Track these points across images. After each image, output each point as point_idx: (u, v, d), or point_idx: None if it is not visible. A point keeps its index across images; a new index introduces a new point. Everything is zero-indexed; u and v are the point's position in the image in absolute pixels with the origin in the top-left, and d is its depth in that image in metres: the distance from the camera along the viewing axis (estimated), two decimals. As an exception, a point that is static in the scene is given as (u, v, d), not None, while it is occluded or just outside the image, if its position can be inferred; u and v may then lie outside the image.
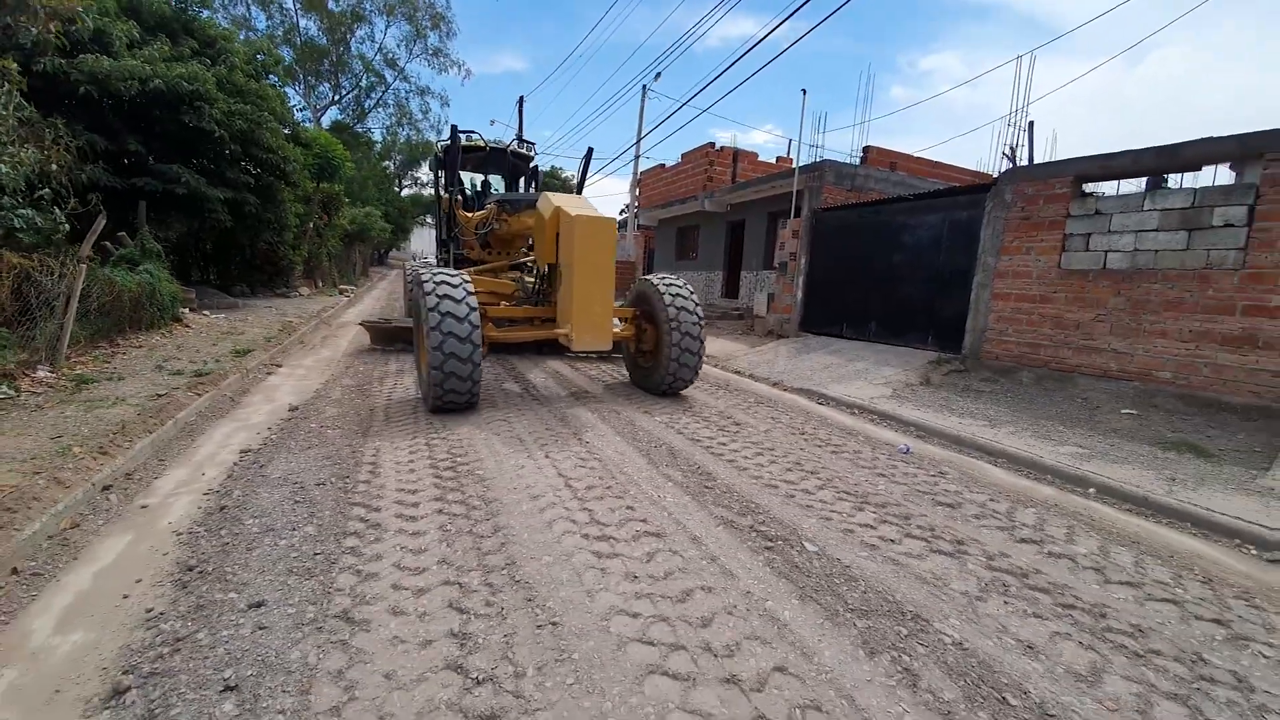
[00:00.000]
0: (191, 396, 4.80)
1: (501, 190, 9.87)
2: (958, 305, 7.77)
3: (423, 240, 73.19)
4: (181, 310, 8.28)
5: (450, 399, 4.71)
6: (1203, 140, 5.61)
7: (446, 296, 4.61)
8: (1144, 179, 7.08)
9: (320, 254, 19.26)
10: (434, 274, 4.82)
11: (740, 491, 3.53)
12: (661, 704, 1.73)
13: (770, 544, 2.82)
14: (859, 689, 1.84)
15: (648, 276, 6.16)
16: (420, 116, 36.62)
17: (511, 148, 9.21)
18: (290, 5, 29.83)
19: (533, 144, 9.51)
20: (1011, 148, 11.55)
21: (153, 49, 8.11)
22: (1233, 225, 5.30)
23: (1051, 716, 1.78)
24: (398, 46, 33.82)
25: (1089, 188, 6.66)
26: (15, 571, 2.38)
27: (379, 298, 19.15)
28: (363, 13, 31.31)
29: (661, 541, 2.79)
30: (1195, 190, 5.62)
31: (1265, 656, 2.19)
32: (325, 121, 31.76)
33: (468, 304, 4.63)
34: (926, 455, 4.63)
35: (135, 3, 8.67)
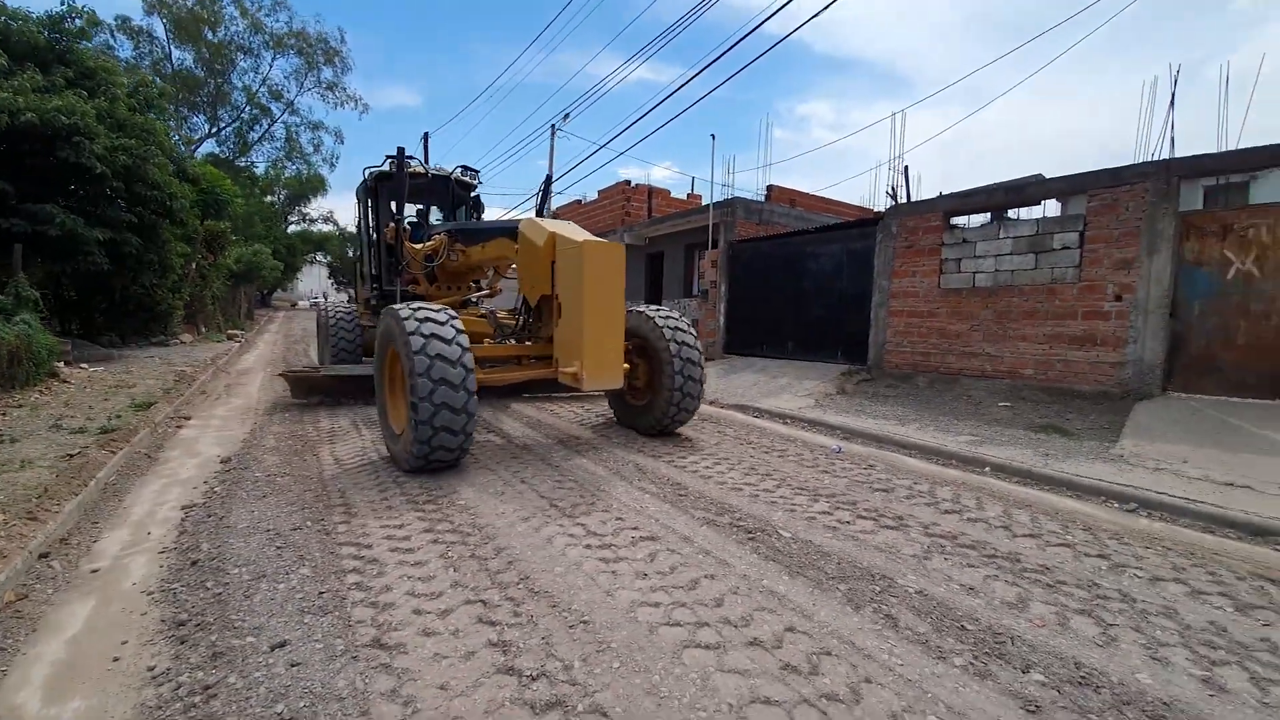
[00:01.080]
0: (106, 455, 4.37)
1: (440, 220, 9.04)
2: (861, 323, 8.78)
3: (312, 280, 68.21)
4: (56, 364, 7.35)
5: (439, 456, 4.04)
6: (1040, 182, 6.95)
7: (434, 336, 3.96)
8: (994, 212, 8.52)
9: (204, 297, 17.61)
10: (415, 311, 4.14)
11: (712, 496, 3.86)
12: (702, 669, 1.98)
13: (751, 535, 3.16)
14: (855, 634, 2.20)
15: (639, 308, 5.69)
16: (311, 151, 34.92)
17: (455, 175, 8.49)
18: (161, 35, 27.57)
19: (477, 172, 8.76)
20: (893, 188, 13.35)
21: (22, 79, 7.32)
22: (1069, 248, 6.58)
23: (998, 635, 2.23)
24: (286, 79, 32.22)
25: (956, 221, 7.91)
26: (-30, 649, 2.16)
27: (273, 342, 17.71)
28: (248, 46, 29.59)
29: (657, 544, 3.03)
30: (1038, 220, 6.90)
31: (1138, 577, 2.83)
32: (200, 155, 29.27)
33: (459, 344, 4.01)
34: (855, 453, 5.24)
35: (3, 29, 7.79)
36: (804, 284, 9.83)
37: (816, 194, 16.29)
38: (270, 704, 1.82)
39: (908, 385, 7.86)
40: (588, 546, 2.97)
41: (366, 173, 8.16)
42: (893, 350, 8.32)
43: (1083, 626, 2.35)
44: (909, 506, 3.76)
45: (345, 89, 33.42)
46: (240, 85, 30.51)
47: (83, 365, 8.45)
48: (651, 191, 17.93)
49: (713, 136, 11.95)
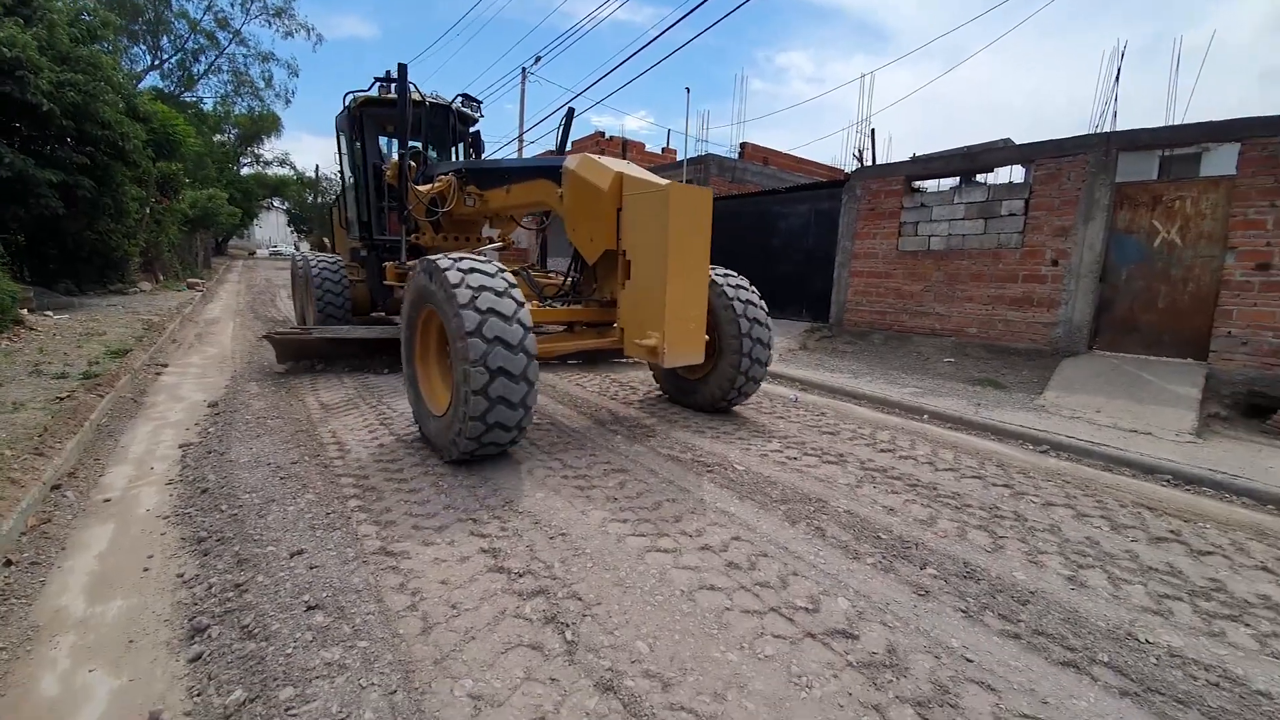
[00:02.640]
0: (94, 399, 4.51)
1: (435, 158, 7.63)
2: (825, 282, 9.19)
3: (270, 227, 65.12)
4: (20, 312, 7.23)
5: (494, 437, 3.26)
6: (995, 149, 7.31)
7: (485, 289, 3.24)
8: (955, 178, 8.89)
9: (160, 243, 16.95)
10: (457, 261, 3.40)
11: (676, 438, 4.26)
12: (660, 567, 2.39)
13: (709, 469, 3.58)
14: (789, 542, 2.65)
15: None
16: (263, 85, 32.88)
17: (455, 105, 7.21)
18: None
19: (479, 103, 7.46)
20: (860, 150, 13.57)
21: (-48, 5, 6.85)
22: (1015, 215, 7.01)
23: (906, 542, 2.71)
24: (231, 5, 29.93)
25: (917, 185, 8.26)
26: (10, 563, 2.42)
27: (237, 291, 17.27)
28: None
29: (627, 474, 3.43)
30: (989, 187, 7.29)
31: (1034, 503, 3.35)
32: (142, 89, 27.29)
33: (512, 297, 3.29)
34: (811, 402, 5.71)
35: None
36: (773, 243, 10.15)
37: (789, 153, 16.41)
38: (297, 595, 2.16)
39: (865, 342, 8.37)
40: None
41: (350, 99, 7.03)
42: (853, 309, 8.78)
43: (977, 538, 2.85)
44: (850, 446, 4.24)
45: (294, 15, 31.29)
46: (179, 11, 28.25)
47: (47, 313, 8.28)
48: (626, 145, 17.74)
49: (688, 90, 11.94)
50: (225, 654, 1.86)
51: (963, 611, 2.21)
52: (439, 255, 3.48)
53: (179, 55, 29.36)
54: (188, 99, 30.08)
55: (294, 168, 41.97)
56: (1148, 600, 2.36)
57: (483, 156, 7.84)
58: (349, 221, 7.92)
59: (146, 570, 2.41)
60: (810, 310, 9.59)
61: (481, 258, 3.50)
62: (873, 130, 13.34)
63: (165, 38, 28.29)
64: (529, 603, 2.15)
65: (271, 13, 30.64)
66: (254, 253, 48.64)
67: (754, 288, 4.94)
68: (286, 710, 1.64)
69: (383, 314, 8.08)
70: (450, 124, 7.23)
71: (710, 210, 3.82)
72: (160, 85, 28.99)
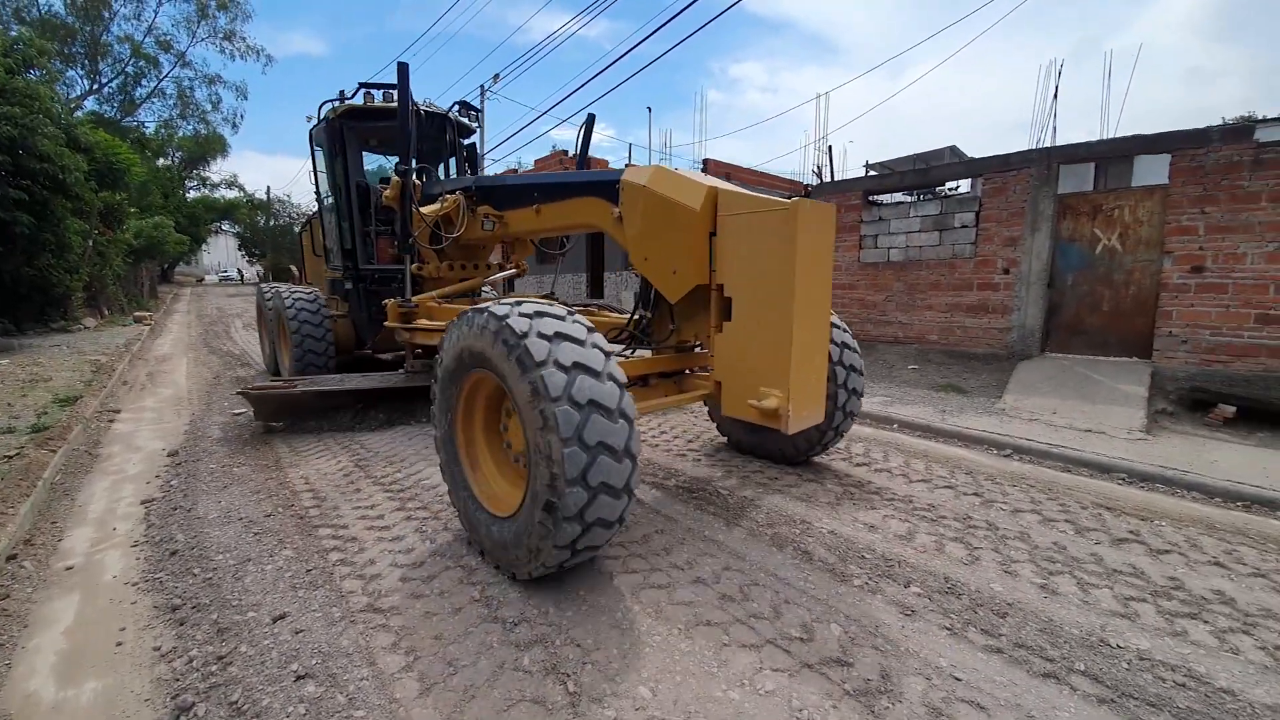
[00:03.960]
0: (46, 455, 4.28)
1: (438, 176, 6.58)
2: (791, 294, 9.40)
3: (220, 252, 62.66)
4: (-47, 359, 6.80)
5: (591, 542, 2.40)
6: (946, 165, 7.66)
7: (579, 366, 2.34)
8: (918, 190, 9.27)
9: (104, 276, 16.18)
10: (532, 315, 2.49)
11: (660, 463, 4.30)
12: (656, 603, 2.41)
13: (693, 494, 3.62)
14: (778, 569, 2.71)
15: None
16: (210, 108, 31.94)
17: (452, 114, 6.37)
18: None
19: (479, 111, 6.73)
20: (818, 167, 14.03)
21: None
22: (967, 226, 7.35)
23: (889, 560, 2.80)
24: (175, 28, 29.05)
25: (874, 199, 8.57)
26: (-34, 647, 2.27)
27: (187, 323, 16.58)
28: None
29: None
30: (942, 200, 7.63)
31: (1003, 510, 3.50)
32: (80, 115, 26.12)
33: (611, 376, 2.41)
34: (785, 417, 5.83)
35: None
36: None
37: (751, 169, 16.79)
38: (284, 665, 2.10)
39: (833, 352, 8.60)
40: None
41: (327, 110, 6.22)
42: (820, 320, 9.02)
43: (954, 550, 2.96)
44: (827, 461, 4.35)
45: (245, 39, 30.56)
46: (122, 35, 27.27)
47: (-19, 358, 7.81)
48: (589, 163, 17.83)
49: (649, 109, 12.21)
50: (215, 735, 1.80)
51: (948, 630, 2.29)
52: (486, 304, 2.71)
53: (119, 79, 28.29)
54: (129, 123, 28.93)
55: (243, 189, 40.71)
56: (1115, 604, 2.49)
57: (479, 174, 7.20)
58: (327, 249, 7.11)
59: (120, 645, 2.30)
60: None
61: (557, 310, 2.61)
62: (830, 147, 13.84)
63: (104, 61, 27.20)
64: None
65: (222, 36, 29.88)
66: (203, 279, 46.78)
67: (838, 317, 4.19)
68: (285, 793, 1.59)
69: (369, 352, 7.36)
70: (445, 136, 6.41)
71: (834, 233, 3.16)
72: (99, 110, 27.84)
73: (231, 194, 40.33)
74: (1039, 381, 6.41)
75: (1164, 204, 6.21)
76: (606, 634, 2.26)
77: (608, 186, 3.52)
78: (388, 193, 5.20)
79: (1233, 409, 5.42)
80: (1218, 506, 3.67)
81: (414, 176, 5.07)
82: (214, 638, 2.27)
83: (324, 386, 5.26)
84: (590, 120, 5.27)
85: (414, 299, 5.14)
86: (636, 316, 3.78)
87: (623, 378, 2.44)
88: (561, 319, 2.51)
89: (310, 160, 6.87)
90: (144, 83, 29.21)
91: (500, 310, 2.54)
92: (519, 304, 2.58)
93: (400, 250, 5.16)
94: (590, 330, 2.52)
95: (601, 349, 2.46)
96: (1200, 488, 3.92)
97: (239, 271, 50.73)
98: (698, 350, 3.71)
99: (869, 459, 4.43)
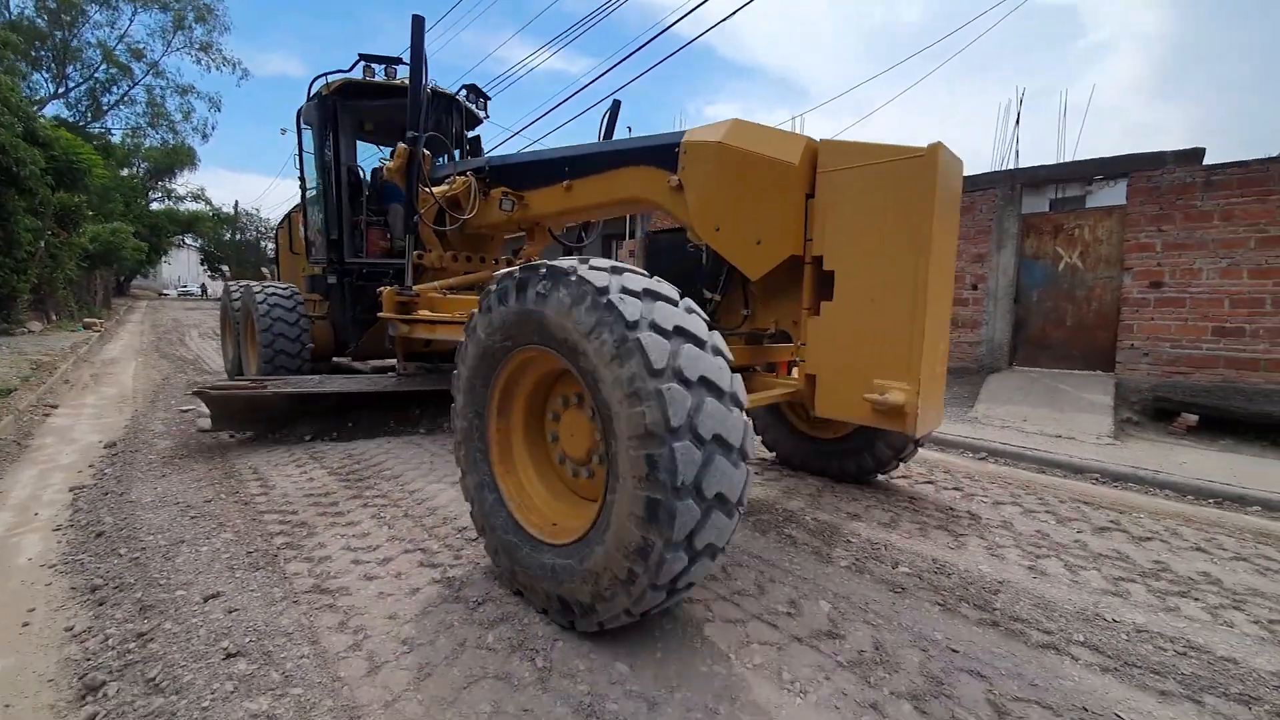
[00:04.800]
0: (-37, 441, 3.90)
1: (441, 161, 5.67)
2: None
3: (180, 265, 60.62)
4: None
5: (682, 592, 1.83)
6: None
7: (684, 333, 1.77)
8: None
9: (54, 279, 15.40)
10: (611, 267, 1.91)
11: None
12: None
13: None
14: (763, 551, 2.57)
15: None
16: (180, 118, 31.36)
17: (462, 99, 5.92)
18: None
19: (488, 99, 6.17)
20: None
21: None
22: (936, 241, 7.52)
23: (875, 544, 2.70)
24: (150, 36, 28.63)
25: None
26: None
27: (140, 332, 15.81)
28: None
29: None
30: (913, 217, 7.82)
31: (984, 503, 3.45)
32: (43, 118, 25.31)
33: (718, 349, 1.83)
34: (763, 422, 5.76)
35: None
36: (716, 273, 10.41)
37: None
38: (213, 643, 1.86)
39: (808, 365, 8.63)
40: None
41: (319, 85, 5.64)
42: (795, 334, 9.07)
43: (939, 537, 2.87)
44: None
45: (221, 51, 30.29)
46: (94, 41, 26.74)
47: (-96, 353, 7.24)
48: (568, 182, 17.91)
49: (629, 129, 12.25)
50: (126, 712, 1.56)
51: (940, 605, 2.18)
52: (551, 260, 2.04)
53: (88, 84, 27.63)
54: (95, 129, 28.15)
55: (210, 203, 39.75)
56: (1105, 583, 2.43)
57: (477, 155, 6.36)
58: (309, 242, 6.36)
59: (26, 625, 2.02)
60: (755, 337, 9.83)
61: (642, 274, 1.96)
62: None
63: (72, 66, 26.55)
64: None
65: (198, 47, 29.57)
66: (162, 293, 45.17)
67: None
68: (202, 772, 1.36)
69: (348, 359, 6.62)
70: (452, 122, 5.86)
71: (960, 193, 2.65)
72: (64, 115, 27.06)
73: (197, 207, 39.34)
74: (1009, 392, 6.50)
75: (1122, 223, 6.46)
76: (694, 672, 1.77)
77: (664, 151, 2.97)
78: (391, 164, 4.72)
79: (1195, 418, 5.55)
80: (1190, 503, 3.69)
81: (423, 146, 4.48)
82: (135, 616, 2.02)
83: (301, 388, 4.47)
84: (616, 105, 4.80)
85: (414, 288, 4.52)
86: (708, 298, 3.16)
87: (744, 399, 1.81)
88: (646, 275, 1.95)
89: (297, 143, 6.19)
90: (113, 89, 28.62)
91: (585, 270, 1.88)
92: (601, 263, 1.94)
93: (405, 230, 4.58)
94: (706, 322, 1.88)
95: (724, 353, 1.83)
96: (1172, 486, 3.95)
97: (201, 286, 49.18)
98: (767, 344, 3.10)
99: (849, 457, 4.37)
